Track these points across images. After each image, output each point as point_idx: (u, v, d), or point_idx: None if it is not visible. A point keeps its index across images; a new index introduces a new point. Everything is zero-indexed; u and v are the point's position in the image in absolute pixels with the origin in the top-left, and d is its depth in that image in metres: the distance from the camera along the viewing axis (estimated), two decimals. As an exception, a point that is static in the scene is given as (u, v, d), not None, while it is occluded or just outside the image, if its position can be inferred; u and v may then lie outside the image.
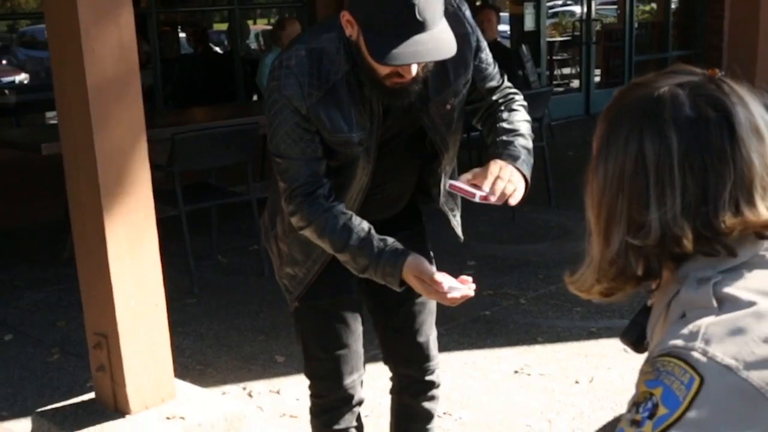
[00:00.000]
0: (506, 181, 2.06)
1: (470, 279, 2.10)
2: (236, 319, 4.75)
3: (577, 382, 3.79)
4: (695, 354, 1.04)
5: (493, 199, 2.04)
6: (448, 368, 3.98)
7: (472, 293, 2.07)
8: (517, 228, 6.23)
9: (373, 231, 2.16)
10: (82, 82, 2.97)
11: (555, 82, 13.61)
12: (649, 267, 1.21)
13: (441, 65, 2.16)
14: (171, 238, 5.42)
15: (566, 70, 14.33)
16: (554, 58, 14.21)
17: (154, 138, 5.22)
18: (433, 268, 2.10)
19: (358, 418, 2.60)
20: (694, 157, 1.13)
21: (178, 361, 4.14)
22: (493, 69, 2.33)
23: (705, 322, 1.07)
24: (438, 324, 4.40)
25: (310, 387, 2.57)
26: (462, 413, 3.56)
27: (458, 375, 3.92)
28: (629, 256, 1.21)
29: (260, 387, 3.83)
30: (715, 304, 1.10)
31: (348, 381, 2.48)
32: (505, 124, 2.28)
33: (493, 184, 2.05)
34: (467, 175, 2.11)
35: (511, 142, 2.22)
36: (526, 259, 5.53)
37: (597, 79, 12.27)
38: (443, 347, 4.37)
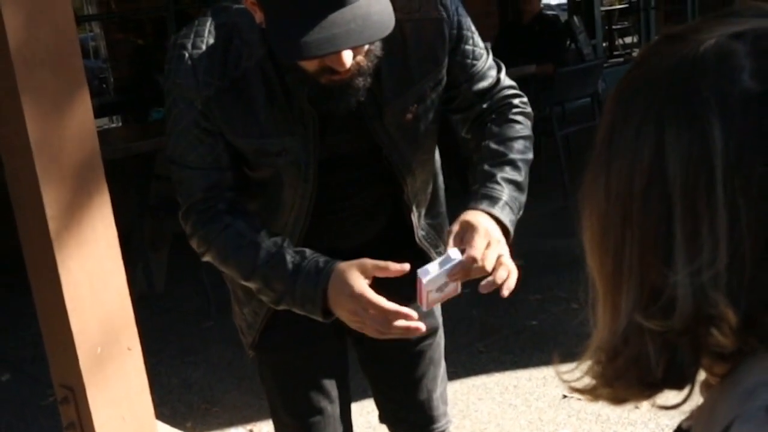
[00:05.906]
0: (500, 266, 1.56)
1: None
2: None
3: (636, 407, 3.20)
4: None
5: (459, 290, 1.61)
6: (485, 395, 3.44)
7: (422, 328, 1.52)
8: (570, 218, 5.58)
9: (288, 242, 1.60)
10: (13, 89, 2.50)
11: (616, 53, 12.90)
12: (673, 365, 0.71)
13: (401, 58, 1.62)
14: (185, 255, 4.97)
15: (627, 39, 13.57)
16: (614, 27, 13.51)
17: (156, 148, 4.80)
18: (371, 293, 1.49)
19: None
20: (753, 167, 0.65)
21: (182, 398, 3.71)
22: (484, 65, 1.74)
23: None
24: (476, 339, 3.91)
25: (282, 461, 2.06)
26: (498, 455, 3.00)
27: (497, 403, 3.36)
28: (645, 345, 0.71)
29: (268, 428, 3.33)
30: None
31: None
32: (492, 144, 1.71)
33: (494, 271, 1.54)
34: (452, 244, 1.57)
35: (493, 176, 1.67)
36: (580, 255, 4.87)
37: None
38: (481, 368, 3.86)
